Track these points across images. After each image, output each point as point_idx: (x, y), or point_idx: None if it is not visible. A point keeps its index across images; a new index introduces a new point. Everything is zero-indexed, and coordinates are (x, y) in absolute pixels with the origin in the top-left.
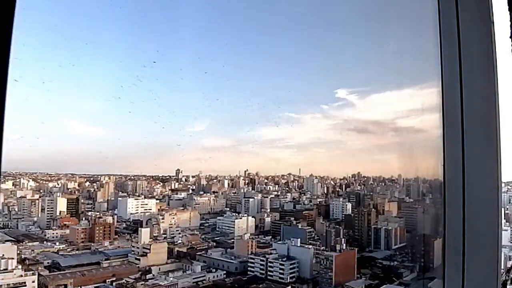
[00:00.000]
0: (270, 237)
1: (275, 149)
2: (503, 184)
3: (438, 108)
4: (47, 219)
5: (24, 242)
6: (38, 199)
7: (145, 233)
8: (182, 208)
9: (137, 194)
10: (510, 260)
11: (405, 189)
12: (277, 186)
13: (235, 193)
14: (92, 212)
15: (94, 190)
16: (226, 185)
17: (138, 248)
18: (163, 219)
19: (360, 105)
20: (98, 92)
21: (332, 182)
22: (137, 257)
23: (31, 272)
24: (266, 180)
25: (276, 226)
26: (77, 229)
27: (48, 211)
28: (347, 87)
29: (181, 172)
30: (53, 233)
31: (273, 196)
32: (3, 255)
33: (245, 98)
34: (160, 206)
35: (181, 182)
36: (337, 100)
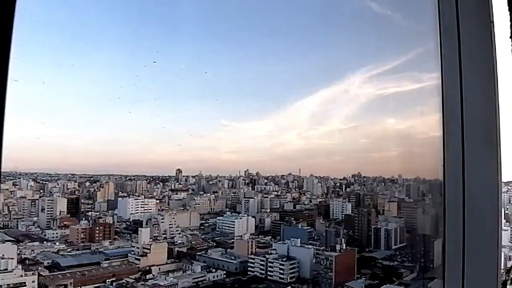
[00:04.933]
0: (270, 237)
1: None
2: (503, 184)
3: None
4: (47, 219)
5: (24, 242)
6: (38, 199)
7: (145, 233)
8: (182, 208)
9: (137, 194)
10: (510, 260)
11: (405, 189)
12: (277, 186)
13: (235, 193)
14: (92, 212)
15: (94, 190)
16: (226, 185)
17: (138, 248)
18: (163, 219)
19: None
20: (98, 92)
21: (332, 182)
22: (137, 257)
23: (31, 272)
24: (266, 180)
25: (276, 226)
26: (77, 229)
27: (48, 211)
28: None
29: (181, 172)
30: (53, 233)
31: (273, 196)
32: (3, 255)
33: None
34: (160, 206)
35: (181, 182)
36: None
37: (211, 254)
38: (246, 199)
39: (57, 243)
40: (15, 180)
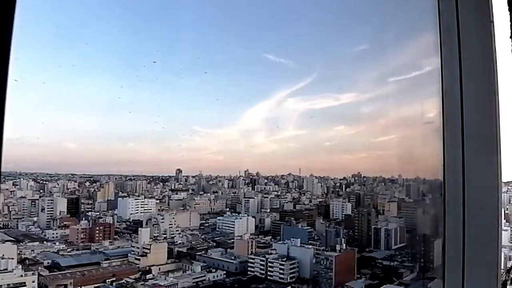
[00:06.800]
0: (270, 237)
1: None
2: (503, 184)
3: None
4: (47, 219)
5: (24, 242)
6: (38, 199)
7: (145, 233)
8: (182, 208)
9: (137, 194)
10: (510, 260)
11: (405, 189)
12: (277, 186)
13: (235, 193)
14: (92, 212)
15: (94, 190)
16: (226, 185)
17: (138, 248)
18: (163, 219)
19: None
20: (98, 92)
21: (332, 182)
22: (137, 257)
23: (31, 272)
24: (266, 180)
25: (276, 226)
26: (77, 229)
27: (48, 211)
28: None
29: (181, 172)
30: (53, 233)
31: (273, 196)
32: (3, 255)
33: None
34: (160, 206)
35: (181, 182)
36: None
37: (211, 254)
38: (246, 199)
39: (57, 243)
40: (15, 180)
